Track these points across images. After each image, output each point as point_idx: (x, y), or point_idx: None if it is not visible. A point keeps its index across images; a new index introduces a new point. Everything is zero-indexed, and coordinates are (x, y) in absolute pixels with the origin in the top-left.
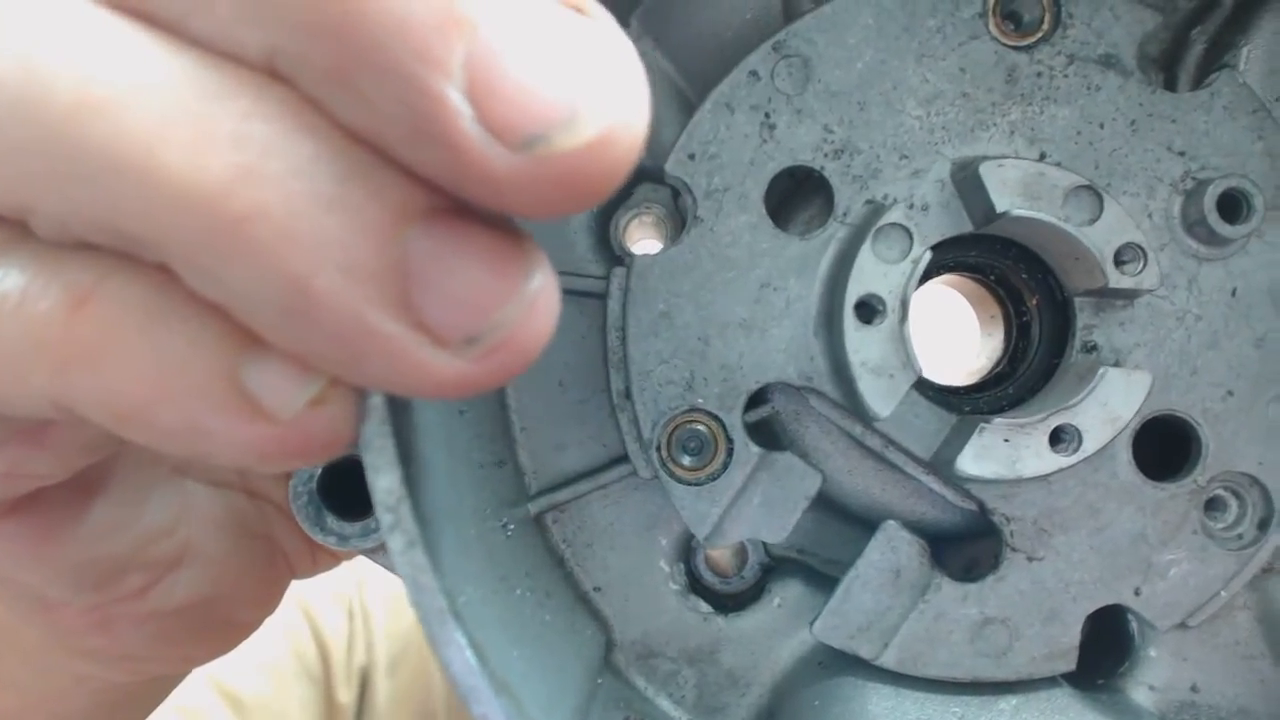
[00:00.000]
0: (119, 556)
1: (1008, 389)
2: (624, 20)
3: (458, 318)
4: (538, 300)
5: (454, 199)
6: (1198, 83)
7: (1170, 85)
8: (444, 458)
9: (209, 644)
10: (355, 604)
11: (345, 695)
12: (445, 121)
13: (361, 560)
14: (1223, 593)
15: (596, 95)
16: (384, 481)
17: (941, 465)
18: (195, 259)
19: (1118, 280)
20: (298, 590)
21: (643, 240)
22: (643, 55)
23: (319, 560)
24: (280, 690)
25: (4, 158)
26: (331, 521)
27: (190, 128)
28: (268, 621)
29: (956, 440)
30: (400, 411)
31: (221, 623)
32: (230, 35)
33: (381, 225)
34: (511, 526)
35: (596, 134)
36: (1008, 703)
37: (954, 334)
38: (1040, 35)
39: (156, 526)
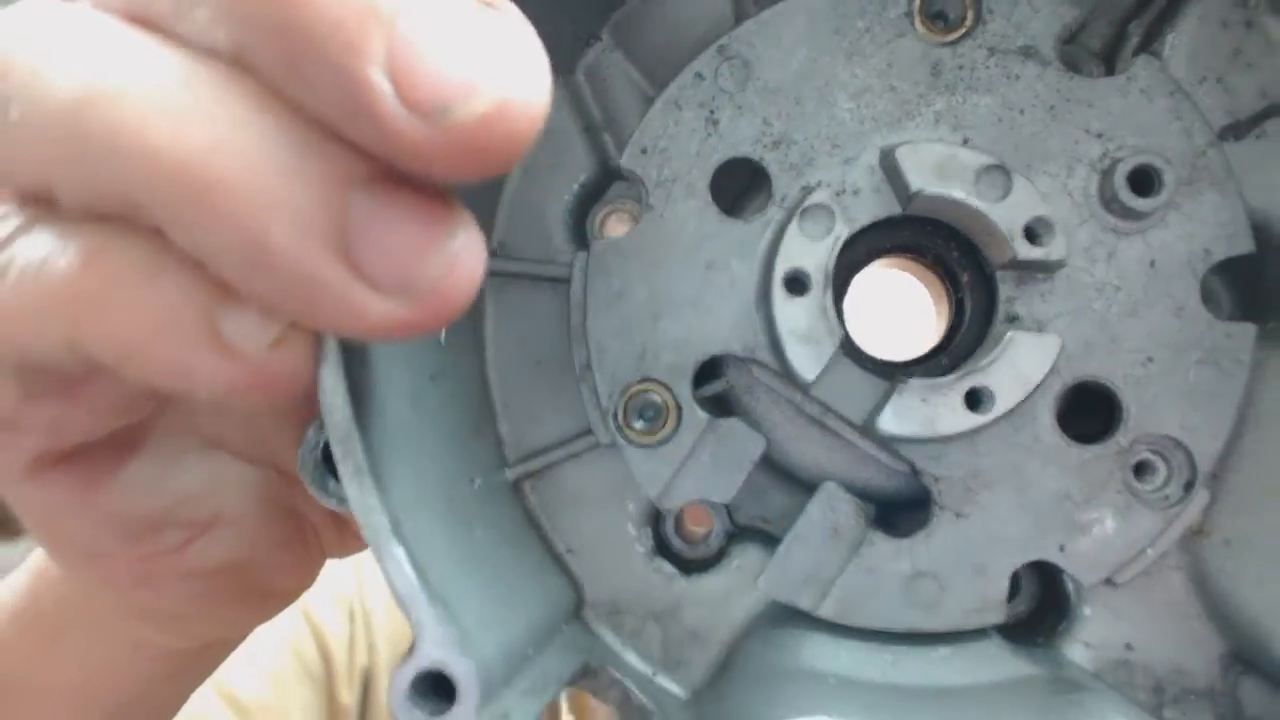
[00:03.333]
0: (156, 513)
1: (941, 359)
2: (596, 33)
3: (390, 266)
4: (460, 254)
5: (391, 169)
6: None
7: (1108, 75)
8: (409, 412)
9: (249, 608)
10: (356, 605)
11: (348, 697)
12: (371, 100)
13: (362, 562)
14: (1149, 550)
15: (492, 74)
16: (335, 417)
17: (870, 428)
18: (178, 219)
19: (1026, 252)
20: None
21: (620, 231)
22: (614, 65)
23: (347, 541)
24: (282, 693)
25: (28, 142)
26: (333, 485)
27: (172, 111)
28: (267, 625)
29: (882, 403)
30: (356, 360)
31: (259, 588)
32: (206, 34)
33: (327, 188)
34: (479, 481)
35: (490, 106)
36: (939, 652)
37: (910, 313)
38: (964, 31)
39: (190, 490)
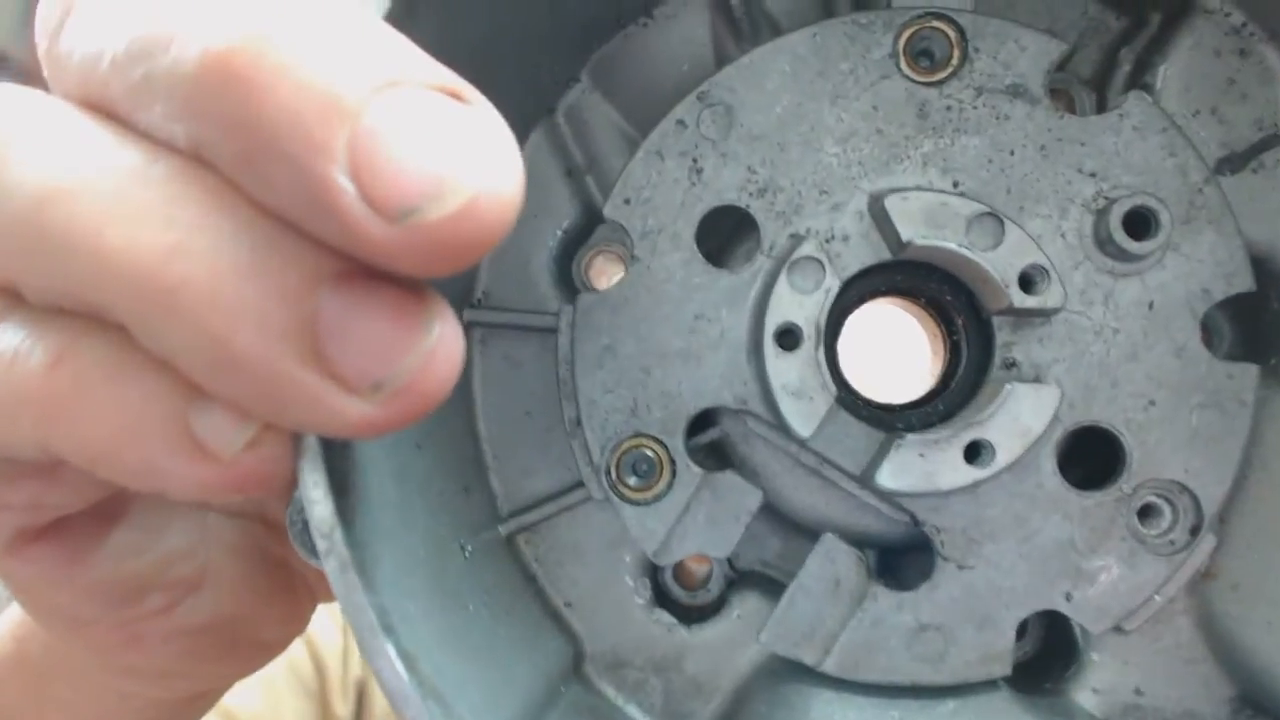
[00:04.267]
0: (141, 577)
1: (937, 405)
2: (575, 74)
3: (364, 366)
4: (437, 350)
5: (361, 264)
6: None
7: (1100, 107)
8: (393, 488)
9: (239, 661)
10: None
11: (342, 708)
12: (333, 200)
13: None
14: (1156, 597)
15: (461, 170)
16: (317, 511)
17: (868, 480)
18: (141, 323)
19: (1022, 301)
20: None
21: (613, 274)
22: (593, 106)
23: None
24: (276, 704)
25: None
26: None
27: (129, 211)
28: None
29: (880, 457)
30: (337, 449)
31: (248, 641)
32: (164, 128)
33: (294, 288)
34: (470, 548)
35: (462, 203)
36: (946, 706)
37: (905, 353)
38: (950, 71)
39: (176, 550)
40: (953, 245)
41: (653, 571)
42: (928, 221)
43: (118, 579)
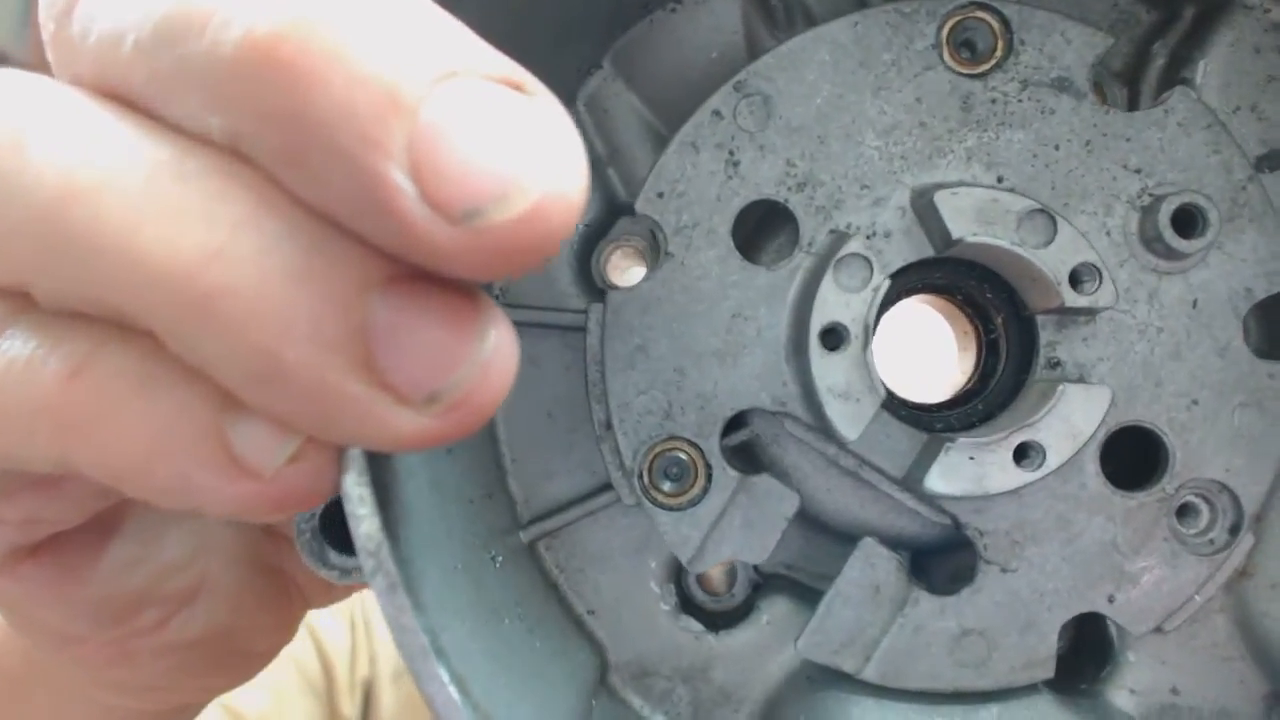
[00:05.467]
0: (136, 592)
1: (977, 405)
2: (597, 61)
3: (418, 377)
4: (493, 359)
5: (412, 266)
6: (1158, 97)
7: (1133, 100)
8: (430, 497)
9: (228, 673)
10: (357, 616)
11: (349, 708)
12: (390, 199)
13: None
14: (1196, 597)
15: (529, 169)
16: (364, 528)
17: (913, 483)
18: (175, 331)
19: (1074, 300)
20: None
21: (628, 269)
22: (616, 95)
23: (333, 591)
24: (283, 704)
25: (2, 239)
26: (334, 557)
27: (164, 210)
28: None
29: (925, 459)
30: (380, 460)
31: (239, 652)
32: (197, 119)
33: (344, 295)
34: (500, 558)
35: (529, 206)
36: (989, 711)
37: (933, 350)
38: (994, 62)
39: (172, 562)
40: (1005, 243)
41: (678, 577)
42: (978, 218)
43: (113, 596)
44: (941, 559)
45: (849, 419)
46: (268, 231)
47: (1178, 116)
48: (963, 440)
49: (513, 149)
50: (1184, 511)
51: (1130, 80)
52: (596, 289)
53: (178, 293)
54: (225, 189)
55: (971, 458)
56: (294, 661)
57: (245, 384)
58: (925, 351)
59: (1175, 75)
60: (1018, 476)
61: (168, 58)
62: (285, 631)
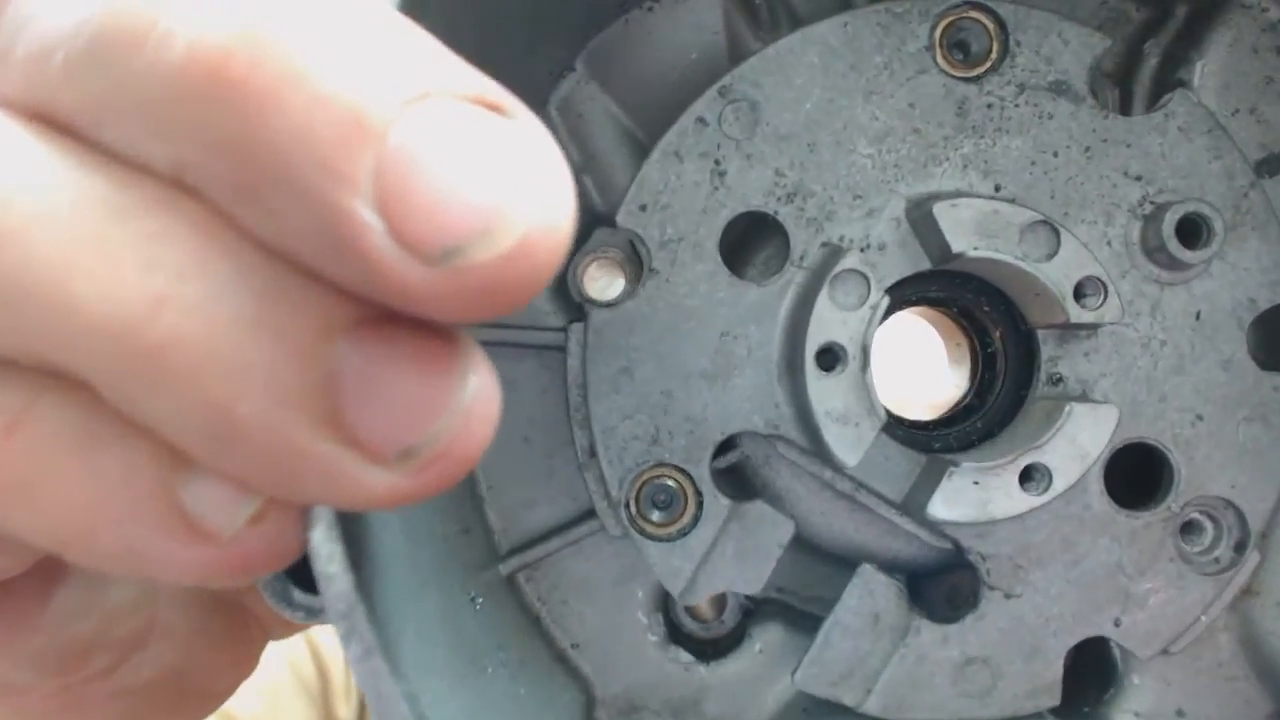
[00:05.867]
0: (84, 638)
1: (975, 423)
2: (569, 63)
3: (392, 432)
4: (474, 406)
5: (381, 306)
6: (1153, 98)
7: (1125, 101)
8: (403, 544)
9: (183, 715)
10: None
11: (344, 712)
12: (355, 237)
13: None
14: (1203, 618)
15: (513, 202)
16: (335, 588)
17: (914, 508)
18: (116, 387)
19: (1079, 315)
20: None
21: (606, 282)
22: (590, 99)
23: (294, 624)
24: (278, 708)
25: None
26: (299, 596)
27: (99, 252)
28: None
29: (926, 483)
30: (350, 513)
31: (195, 693)
32: (136, 146)
33: (306, 343)
34: (480, 599)
35: (514, 243)
36: None
37: (921, 364)
38: (989, 65)
39: (122, 605)
40: (1009, 258)
41: (665, 605)
42: (979, 230)
43: (60, 644)
44: (935, 581)
45: (848, 444)
46: (217, 274)
47: (1178, 121)
48: (967, 464)
49: (495, 178)
50: (1187, 530)
51: (1121, 81)
52: (573, 304)
53: (116, 345)
54: (168, 227)
55: (976, 482)
56: (289, 664)
57: (198, 443)
58: (915, 366)
59: (1170, 76)
60: (1024, 501)
61: (103, 77)
62: (244, 668)
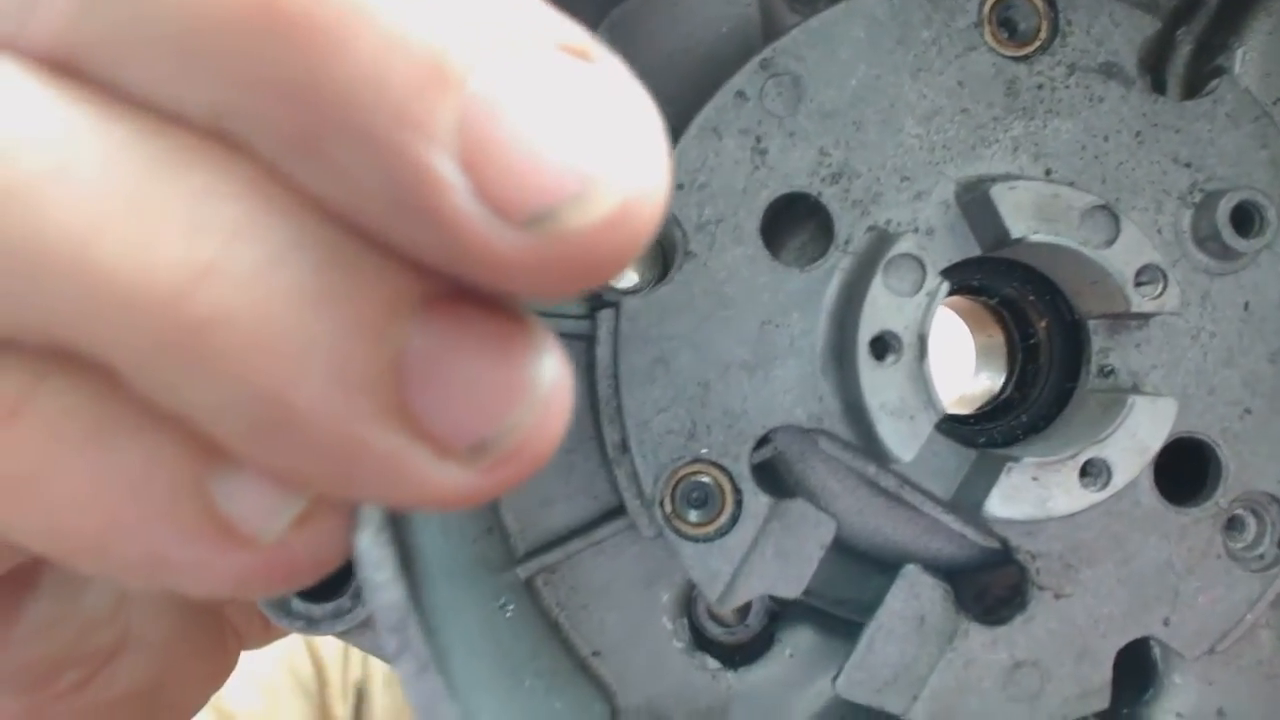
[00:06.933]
0: (55, 652)
1: (1020, 417)
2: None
3: (465, 424)
4: (552, 396)
5: (451, 281)
6: (1187, 85)
7: (1158, 88)
8: (442, 546)
9: None
10: None
11: (341, 710)
12: (435, 196)
13: None
14: (1249, 616)
15: (612, 161)
16: (386, 598)
17: (964, 506)
18: (146, 370)
19: (1139, 304)
20: None
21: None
22: None
23: (271, 630)
24: (275, 706)
25: None
26: (298, 605)
27: (131, 215)
28: None
29: (979, 479)
30: (399, 514)
31: (168, 706)
32: (169, 92)
33: (372, 321)
34: (511, 606)
35: (613, 207)
36: None
37: (949, 356)
38: (1038, 44)
39: (95, 617)
40: (1072, 243)
41: (689, 609)
42: (1038, 215)
43: (28, 659)
44: (969, 577)
45: (903, 438)
46: (273, 240)
47: (1226, 107)
48: (1028, 460)
49: (592, 136)
50: (1231, 526)
51: (1153, 67)
52: (593, 292)
53: (150, 321)
54: (216, 184)
55: (1035, 478)
56: (286, 662)
57: (240, 433)
58: (942, 358)
59: (1207, 63)
60: (1083, 498)
61: (128, 10)
62: (218, 680)
